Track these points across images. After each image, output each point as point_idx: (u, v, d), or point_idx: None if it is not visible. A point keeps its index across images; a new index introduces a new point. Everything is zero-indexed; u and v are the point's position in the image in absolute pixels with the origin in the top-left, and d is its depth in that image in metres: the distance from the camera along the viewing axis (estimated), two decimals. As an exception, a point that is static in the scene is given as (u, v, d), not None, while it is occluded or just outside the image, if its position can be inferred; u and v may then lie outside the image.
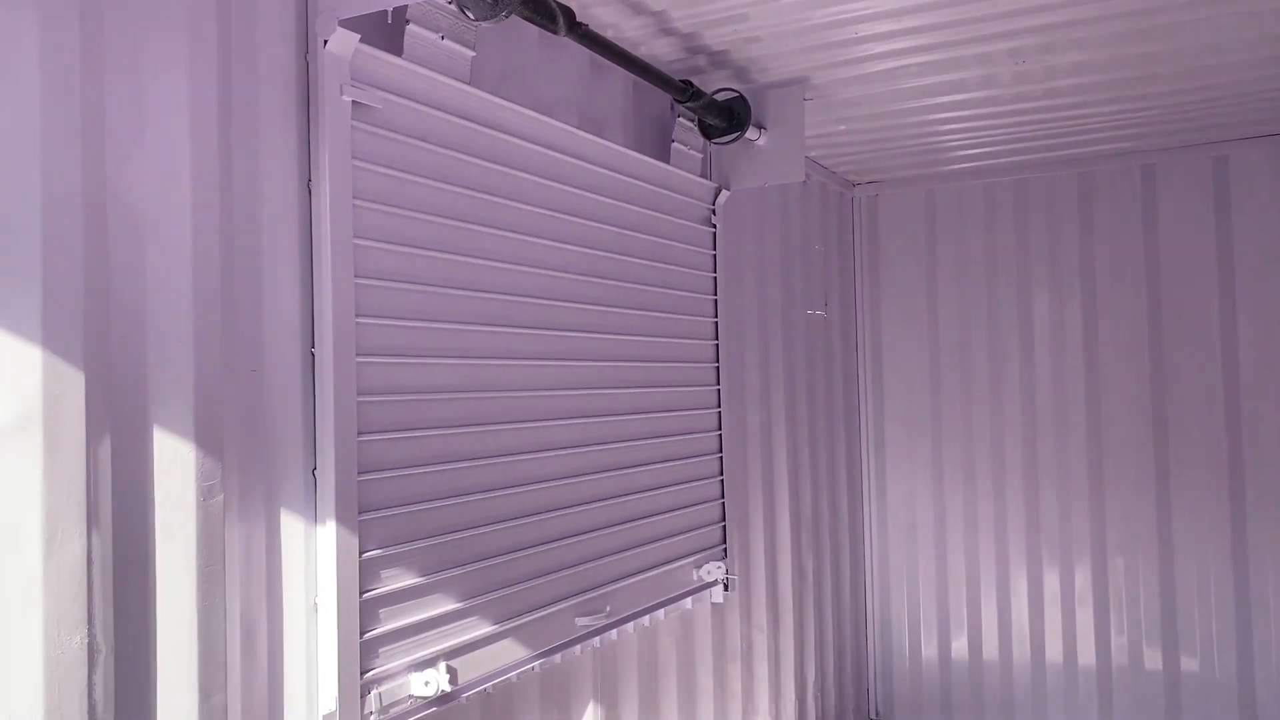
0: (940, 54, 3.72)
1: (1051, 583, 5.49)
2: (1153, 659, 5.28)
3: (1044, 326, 5.52)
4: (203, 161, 2.11)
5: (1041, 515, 5.50)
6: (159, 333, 2.04)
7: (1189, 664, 5.20)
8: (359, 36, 2.34)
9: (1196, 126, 4.82)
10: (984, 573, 5.64)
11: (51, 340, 1.83)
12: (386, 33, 2.50)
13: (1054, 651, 5.49)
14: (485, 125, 2.83)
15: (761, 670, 4.51)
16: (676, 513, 3.74)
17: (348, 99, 2.36)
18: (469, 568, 2.72)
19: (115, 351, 1.96)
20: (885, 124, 4.64)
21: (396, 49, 2.53)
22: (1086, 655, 5.42)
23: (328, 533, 2.32)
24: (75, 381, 1.86)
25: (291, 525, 2.30)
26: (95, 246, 1.92)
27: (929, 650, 5.78)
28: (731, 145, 3.93)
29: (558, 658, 3.05)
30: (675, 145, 3.82)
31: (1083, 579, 5.42)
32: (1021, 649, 5.56)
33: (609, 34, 3.28)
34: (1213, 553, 5.13)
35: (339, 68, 2.34)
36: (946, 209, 5.73)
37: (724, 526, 4.09)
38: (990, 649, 5.63)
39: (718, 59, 3.70)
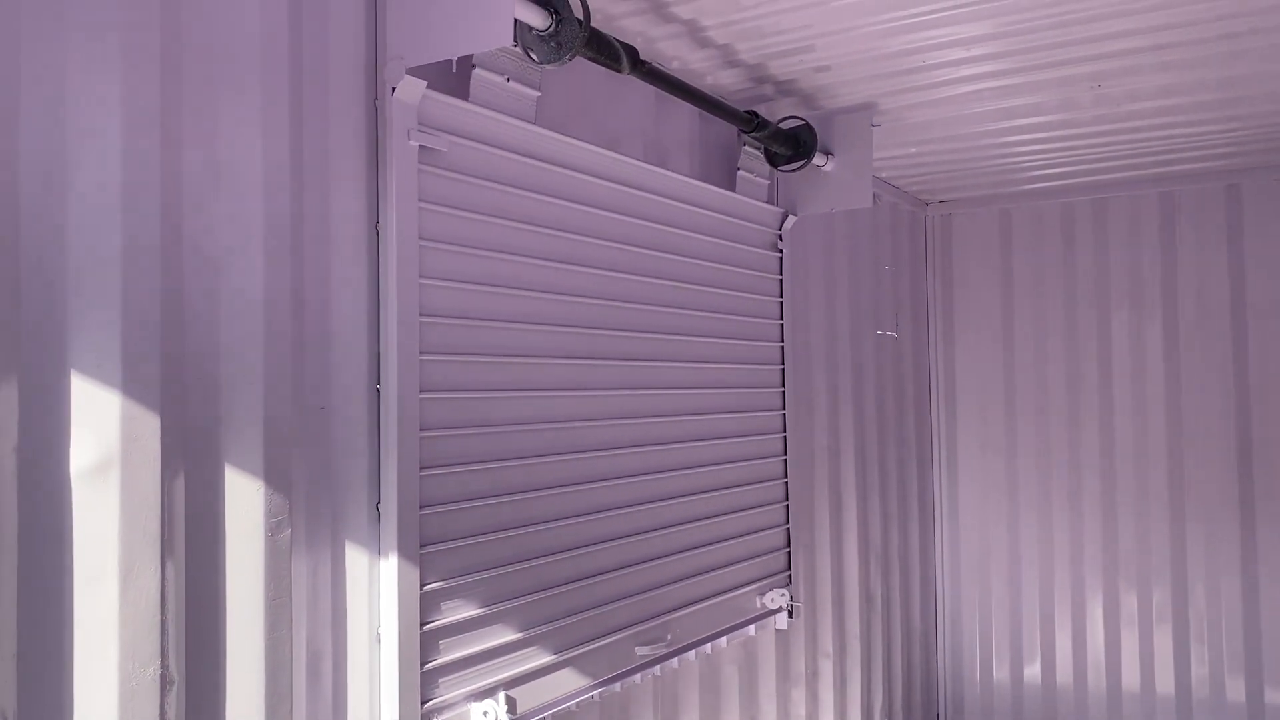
0: (1015, 79, 3.67)
1: (1129, 610, 5.35)
2: (1235, 689, 5.11)
3: (1123, 349, 5.38)
4: (274, 205, 2.19)
5: (1120, 542, 5.37)
6: (230, 372, 2.11)
7: (1274, 696, 5.03)
8: (426, 83, 2.40)
9: (1285, 146, 4.66)
10: (1059, 599, 5.52)
11: (130, 385, 1.91)
12: (453, 78, 2.56)
13: (1130, 680, 5.35)
14: (550, 162, 2.87)
15: (827, 697, 4.49)
16: (740, 539, 3.74)
17: (415, 144, 2.42)
18: (529, 598, 2.76)
19: (189, 392, 2.04)
20: (958, 146, 4.57)
21: (463, 93, 2.58)
22: (1165, 684, 5.27)
23: (390, 565, 2.38)
24: (151, 423, 1.95)
25: (356, 558, 2.37)
26: (171, 291, 2.00)
27: (1000, 675, 5.68)
28: (798, 172, 3.92)
29: (618, 686, 3.08)
30: (741, 173, 3.83)
31: (1161, 606, 5.27)
32: (1097, 677, 5.43)
33: (673, 66, 3.31)
34: (1299, 583, 4.96)
35: (406, 114, 2.40)
36: (1022, 229, 5.63)
37: (788, 553, 4.08)
38: (1064, 676, 5.51)
39: (784, 87, 3.70)
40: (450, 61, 2.46)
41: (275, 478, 2.17)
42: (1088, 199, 5.41)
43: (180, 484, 2.01)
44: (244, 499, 2.12)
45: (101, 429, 1.88)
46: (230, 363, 2.12)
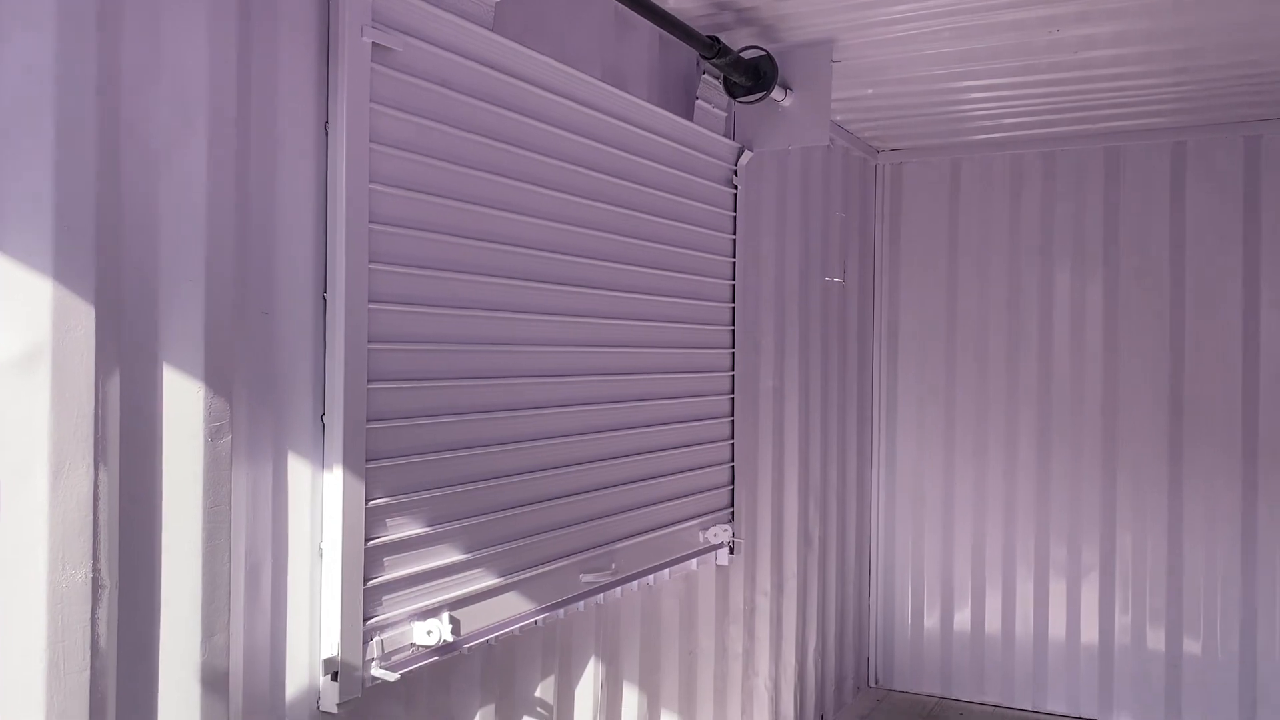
0: (974, 19, 3.65)
1: (1058, 559, 5.48)
2: (1155, 639, 5.27)
3: (1064, 302, 5.46)
4: (219, 99, 2.08)
5: (1051, 492, 5.48)
6: (170, 270, 2.02)
7: (1191, 646, 5.20)
8: (381, -24, 2.30)
9: (1231, 104, 4.73)
10: (990, 547, 5.63)
11: (62, 273, 1.81)
12: (410, -26, 2.45)
13: (1057, 628, 5.49)
14: (507, 73, 2.78)
15: (763, 633, 4.53)
16: (685, 474, 3.73)
17: (368, 40, 2.32)
18: (475, 520, 2.72)
19: (126, 287, 1.94)
20: (913, 89, 4.56)
21: (419, -9, 2.48)
22: (1089, 633, 5.42)
23: (334, 479, 2.31)
24: (85, 315, 1.85)
25: (299, 470, 2.30)
26: (107, 179, 1.89)
27: (931, 621, 5.79)
28: (756, 105, 3.87)
29: (561, 613, 3.06)
30: (699, 103, 3.77)
31: (1090, 557, 5.41)
32: (1025, 624, 5.56)
33: (636, -15, 3.22)
34: (1222, 535, 5.11)
35: (360, 9, 2.30)
36: (971, 179, 5.66)
37: (732, 490, 4.08)
38: (993, 623, 5.64)
39: (745, 15, 3.63)
40: (408, -45, 2.36)
41: (216, 381, 2.08)
42: (1036, 152, 5.46)
43: (115, 381, 1.92)
44: (183, 401, 2.03)
45: (31, 315, 1.78)
46: (170, 259, 2.02)
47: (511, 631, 2.85)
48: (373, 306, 2.39)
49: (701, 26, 3.63)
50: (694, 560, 3.79)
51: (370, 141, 2.36)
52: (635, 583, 3.43)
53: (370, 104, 2.35)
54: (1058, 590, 5.49)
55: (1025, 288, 5.54)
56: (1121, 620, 5.35)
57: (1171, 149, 5.21)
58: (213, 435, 2.07)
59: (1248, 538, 5.06)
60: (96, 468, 1.87)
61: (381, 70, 2.38)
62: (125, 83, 1.93)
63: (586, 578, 3.14)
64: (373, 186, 2.37)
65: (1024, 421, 5.54)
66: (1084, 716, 5.38)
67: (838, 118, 5.07)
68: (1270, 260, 5.02)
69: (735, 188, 4.01)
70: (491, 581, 2.77)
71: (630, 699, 3.57)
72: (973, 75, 4.34)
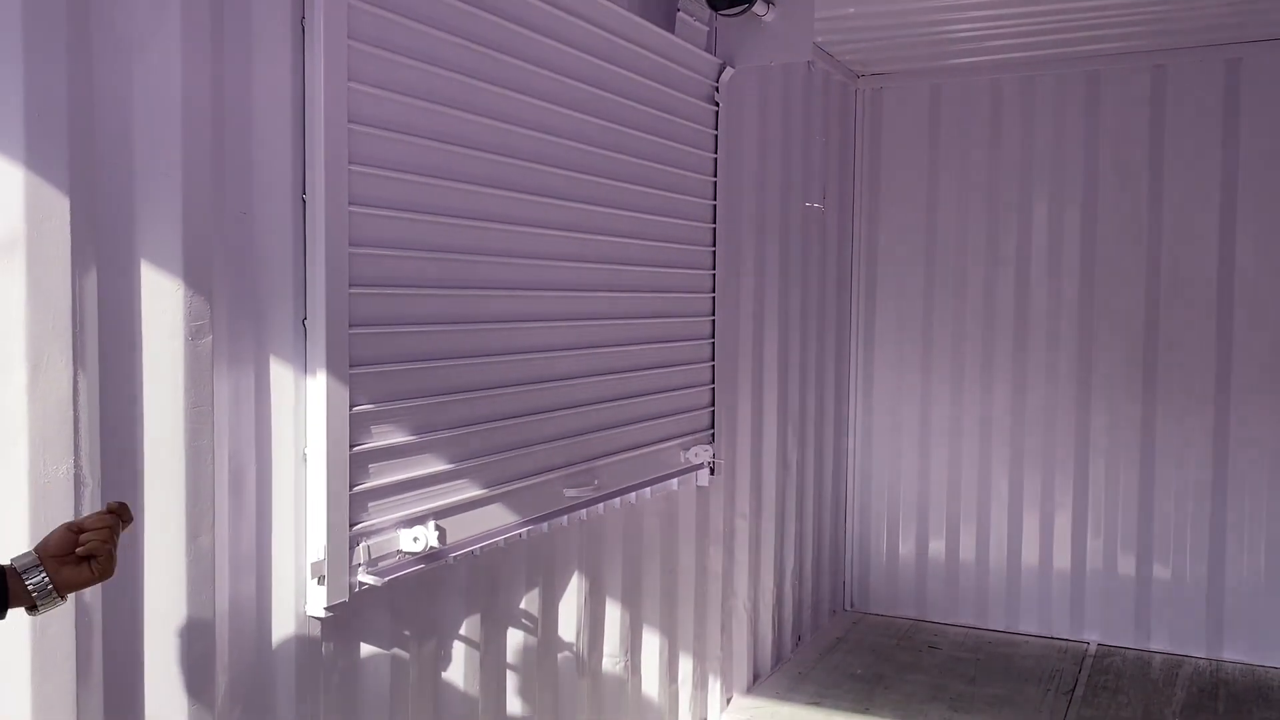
0: (959, -70, 3.59)
1: (1032, 486, 5.54)
2: (1126, 564, 5.37)
3: (1042, 229, 5.47)
4: (192, -12, 2.01)
5: (1027, 418, 5.52)
6: (146, 163, 1.97)
7: (1161, 570, 5.29)
8: None
9: (1211, 26, 4.71)
10: (965, 474, 5.69)
11: (35, 160, 1.76)
12: None
13: (1030, 554, 5.57)
14: (487, -25, 2.71)
15: (742, 555, 4.57)
16: (667, 394, 3.73)
17: (345, -67, 2.25)
18: (460, 430, 2.70)
19: (101, 179, 1.89)
20: (894, 9, 4.50)
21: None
22: (1062, 559, 5.50)
23: (318, 384, 2.29)
24: (60, 206, 1.80)
25: (281, 374, 2.27)
26: (79, 66, 1.83)
27: (906, 547, 5.86)
28: (738, 19, 3.81)
29: (545, 527, 3.06)
30: (681, 15, 3.70)
31: (1063, 483, 5.47)
32: (998, 550, 5.64)
33: (618, -111, 3.14)
34: (1193, 461, 5.19)
35: (336, -103, 2.22)
36: (951, 104, 5.62)
37: (713, 411, 4.09)
38: (967, 549, 5.71)
39: (729, -75, 3.56)
40: None
41: (195, 280, 2.04)
42: (1016, 76, 5.41)
43: (93, 276, 1.88)
44: (162, 299, 2.00)
45: (3, 204, 1.73)
46: (145, 152, 1.97)
47: (496, 543, 2.85)
48: (353, 209, 2.35)
49: (683, -64, 3.55)
50: (675, 480, 3.81)
51: (348, 38, 2.30)
52: (617, 500, 3.44)
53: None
54: (1031, 515, 5.56)
55: (1004, 214, 5.54)
56: (1093, 544, 5.44)
57: (1151, 72, 5.18)
58: (193, 335, 2.03)
59: (1219, 464, 5.14)
60: (75, 364, 1.83)
61: (358, -36, 2.31)
62: (94, -35, 1.86)
63: (570, 492, 3.14)
64: (351, 85, 2.32)
65: (1000, 348, 5.57)
66: (1056, 636, 5.49)
67: (819, 39, 5.00)
68: (1247, 186, 5.04)
69: (717, 105, 3.96)
70: (476, 492, 2.76)
71: (613, 614, 3.60)
72: (956, -7, 4.29)
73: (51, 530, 1.51)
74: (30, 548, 1.49)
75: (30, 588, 1.43)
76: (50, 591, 1.45)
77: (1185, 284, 5.17)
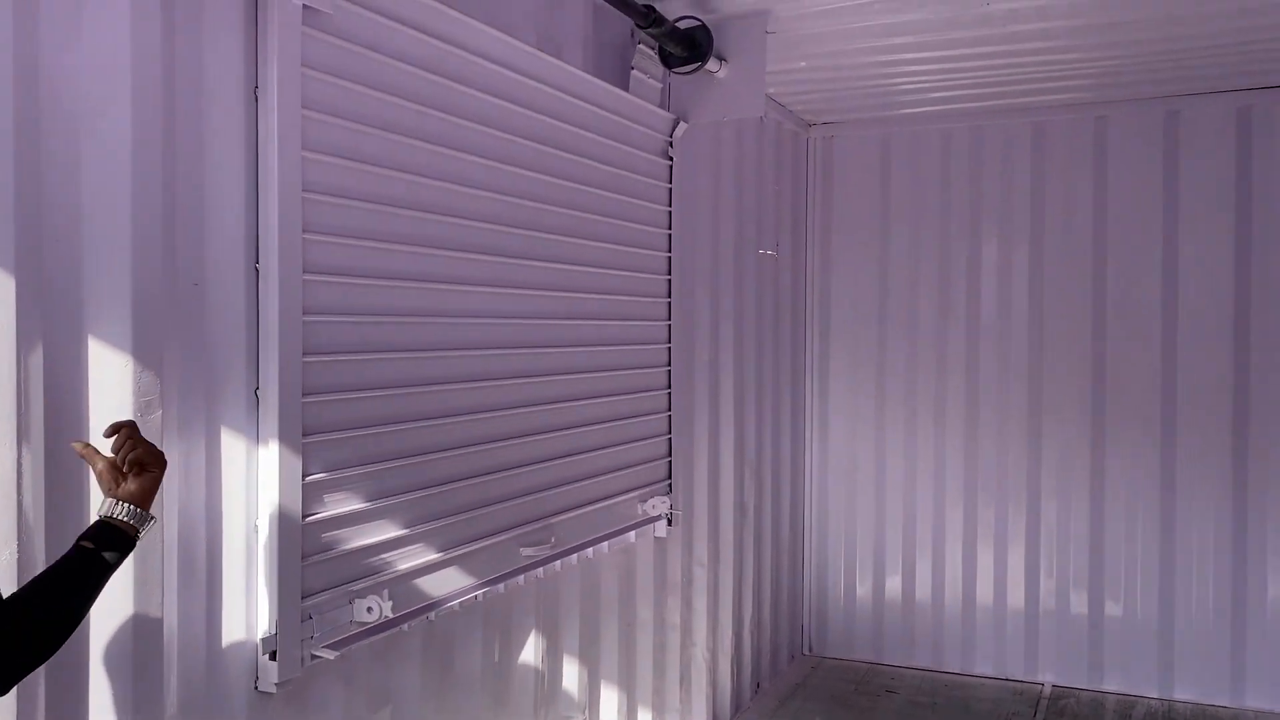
0: (905, -10, 3.67)
1: (985, 526, 5.60)
2: (1079, 602, 5.43)
3: (991, 273, 5.57)
4: (144, 60, 2.00)
5: (979, 460, 5.60)
6: (95, 239, 1.95)
7: (1112, 608, 5.36)
8: (312, -64, 2.23)
9: (1152, 79, 4.85)
10: (920, 514, 5.74)
11: (-21, 241, 1.73)
12: (341, -65, 2.38)
13: (984, 593, 5.62)
14: (441, 39, 2.73)
15: (700, 604, 4.56)
16: (623, 447, 3.73)
17: (298, 2, 2.25)
18: (414, 495, 2.68)
19: (48, 256, 1.87)
20: (845, 62, 4.58)
21: (351, -47, 2.41)
22: (1016, 598, 5.56)
23: (270, 454, 2.26)
24: (5, 285, 1.77)
25: (233, 445, 2.24)
26: (27, 142, 1.81)
27: (863, 589, 5.89)
28: (691, 76, 3.86)
29: (501, 587, 3.04)
30: (635, 73, 3.74)
31: (1015, 523, 5.54)
32: (953, 590, 5.68)
33: (571, -48, 3.18)
34: (1142, 500, 5.27)
35: (290, -31, 2.23)
36: (901, 154, 5.72)
37: (670, 461, 4.09)
38: (923, 590, 5.75)
39: (681, -15, 3.61)
40: (339, -86, 2.29)
41: (144, 354, 2.01)
42: (965, 125, 5.53)
43: (38, 355, 1.85)
44: (110, 374, 1.97)
45: (-53, 286, 1.70)
46: (94, 228, 1.95)
47: (452, 607, 2.82)
48: (307, 278, 2.33)
49: (636, -5, 3.60)
50: (632, 532, 3.80)
51: (303, 107, 2.30)
52: (575, 555, 3.42)
53: (302, 68, 2.29)
54: (985, 556, 5.62)
55: (954, 260, 5.63)
56: (1046, 584, 5.50)
57: (1094, 123, 5.32)
58: (142, 410, 2.00)
59: (1166, 502, 5.23)
60: (20, 445, 1.80)
61: (313, 34, 2.32)
62: (44, 42, 1.85)
63: (526, 551, 3.13)
64: (305, 154, 2.31)
65: (952, 391, 5.64)
66: (1011, 678, 5.53)
67: (771, 90, 5.08)
68: (1188, 231, 5.17)
69: (670, 159, 3.99)
70: (431, 556, 2.74)
71: (570, 671, 3.57)
72: (903, 49, 4.37)
73: (99, 480, 1.73)
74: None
75: (124, 518, 1.68)
76: (138, 513, 1.70)
77: (1131, 326, 5.29)
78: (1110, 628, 5.37)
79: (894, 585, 5.82)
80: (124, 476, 1.72)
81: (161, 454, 1.77)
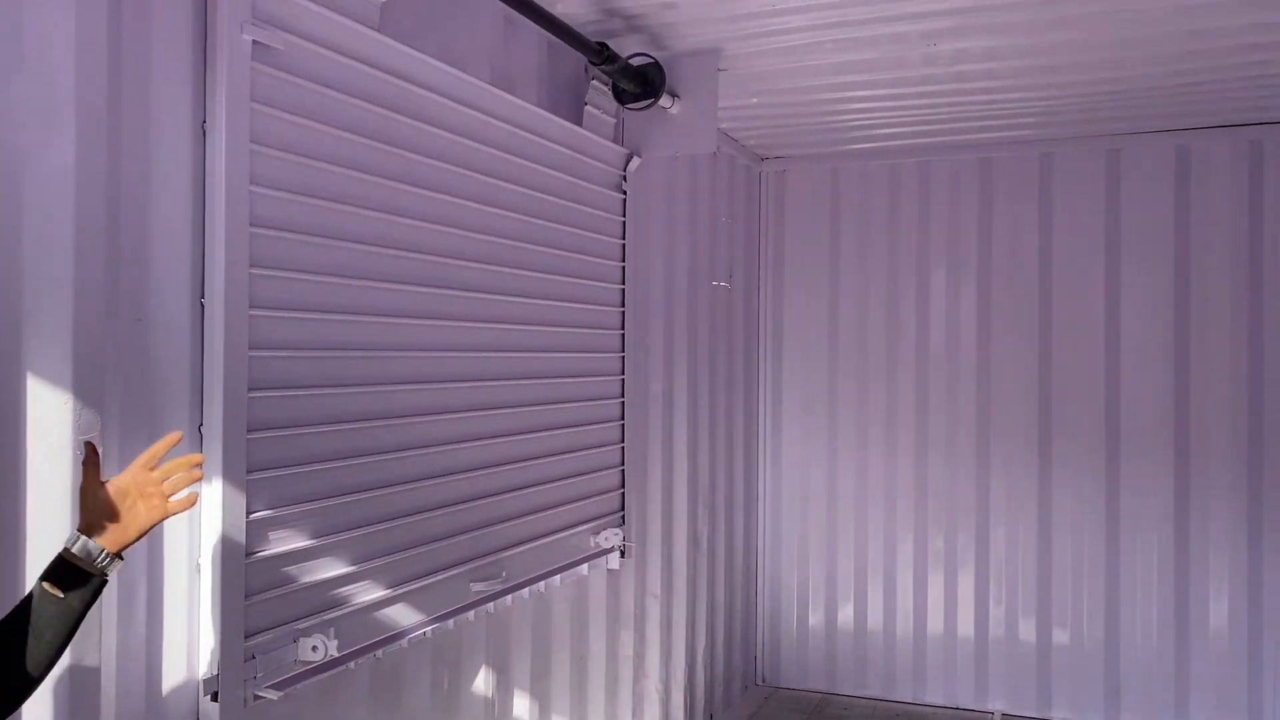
0: (855, 31, 3.74)
1: (935, 554, 5.66)
2: (1027, 630, 5.50)
3: (940, 305, 5.65)
4: (88, 94, 1.98)
5: (929, 490, 5.66)
6: (36, 275, 1.92)
7: (1060, 636, 5.43)
8: (262, -27, 2.23)
9: (1095, 119, 4.97)
10: (872, 543, 5.79)
11: (-86, 278, 1.70)
12: (292, -29, 2.39)
13: (935, 622, 5.67)
14: (393, 75, 2.73)
15: (653, 636, 4.55)
16: (575, 479, 3.72)
17: (248, 38, 2.25)
18: (362, 531, 2.66)
19: (-14, 293, 1.84)
20: (796, 99, 4.65)
21: (302, -11, 2.42)
22: (966, 626, 5.61)
23: (213, 491, 2.23)
24: (-60, 323, 1.74)
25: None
26: (-34, 179, 1.79)
27: (816, 619, 5.91)
28: (644, 112, 3.90)
29: (451, 623, 3.01)
30: (588, 108, 3.77)
31: (965, 551, 5.60)
32: (905, 619, 5.73)
33: (524, -12, 3.20)
34: (1088, 528, 5.36)
35: (240, 5, 2.23)
36: (851, 187, 5.81)
37: (623, 493, 4.09)
38: (875, 619, 5.79)
39: (633, 23, 3.65)
40: (290, -49, 2.30)
41: (85, 392, 1.98)
42: (913, 161, 5.63)
43: (-26, 393, 1.81)
44: (50, 413, 1.93)
45: (-121, 324, 1.67)
46: (35, 262, 1.92)
47: (400, 644, 2.79)
48: (253, 312, 2.31)
49: (590, 33, 3.63)
50: (585, 565, 3.79)
51: (251, 142, 2.29)
52: (526, 590, 3.40)
53: (251, 103, 2.28)
54: (936, 585, 5.67)
55: (903, 292, 5.72)
56: (995, 613, 5.56)
57: (1039, 159, 5.44)
58: (82, 448, 1.97)
59: (1111, 530, 5.32)
60: (-47, 485, 1.76)
61: (262, 69, 2.31)
62: (-16, 76, 1.83)
63: (477, 587, 3.10)
64: (253, 188, 2.30)
65: (903, 421, 5.71)
66: (961, 707, 5.57)
67: (724, 125, 5.14)
68: (1130, 265, 5.30)
69: (624, 193, 4.02)
70: (379, 593, 2.71)
71: (521, 705, 3.54)
72: (852, 86, 4.45)
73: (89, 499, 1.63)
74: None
75: (94, 562, 1.59)
76: (109, 557, 1.60)
77: (1075, 357, 5.39)
78: (1058, 655, 5.44)
79: (846, 614, 5.85)
80: (116, 510, 1.62)
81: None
